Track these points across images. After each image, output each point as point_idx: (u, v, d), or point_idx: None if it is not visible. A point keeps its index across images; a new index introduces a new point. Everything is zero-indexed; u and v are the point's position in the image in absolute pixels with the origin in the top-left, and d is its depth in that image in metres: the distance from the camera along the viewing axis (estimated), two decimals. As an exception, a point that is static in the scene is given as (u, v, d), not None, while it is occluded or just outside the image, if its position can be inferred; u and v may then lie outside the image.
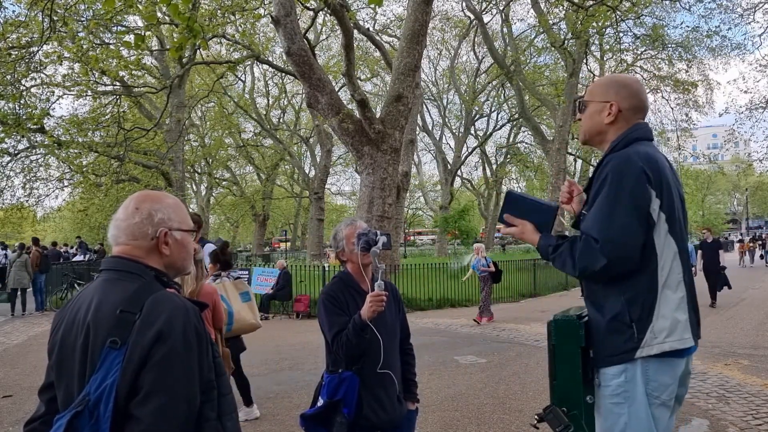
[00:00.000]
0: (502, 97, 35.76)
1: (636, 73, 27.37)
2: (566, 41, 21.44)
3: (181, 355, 1.25)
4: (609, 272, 1.81)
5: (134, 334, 1.24)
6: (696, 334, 1.89)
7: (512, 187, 46.62)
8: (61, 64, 15.57)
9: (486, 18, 28.71)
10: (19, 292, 12.96)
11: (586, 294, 1.98)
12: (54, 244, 22.72)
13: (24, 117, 14.74)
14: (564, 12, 19.92)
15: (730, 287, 12.44)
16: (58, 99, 20.47)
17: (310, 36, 22.40)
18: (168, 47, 19.53)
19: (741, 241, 30.59)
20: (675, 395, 1.86)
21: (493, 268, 11.18)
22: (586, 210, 1.95)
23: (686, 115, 27.35)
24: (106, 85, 18.28)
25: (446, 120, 39.77)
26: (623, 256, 1.78)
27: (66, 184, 21.38)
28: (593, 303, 1.93)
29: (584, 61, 22.76)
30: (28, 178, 19.84)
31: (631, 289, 1.82)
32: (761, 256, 27.24)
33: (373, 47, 24.00)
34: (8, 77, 13.62)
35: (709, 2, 21.29)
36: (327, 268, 13.19)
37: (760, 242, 29.77)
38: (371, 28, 24.20)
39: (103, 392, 1.20)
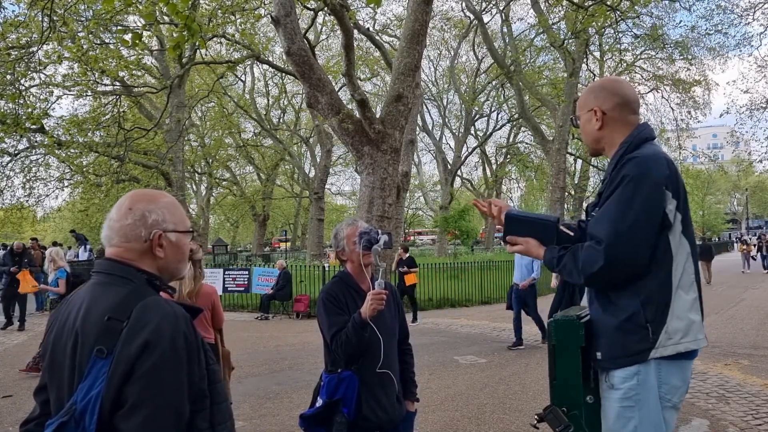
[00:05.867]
0: (502, 97, 35.73)
1: (636, 73, 27.37)
2: (566, 41, 21.42)
3: (169, 366, 1.20)
4: (610, 275, 1.78)
5: (120, 343, 1.19)
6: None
7: (512, 187, 46.67)
8: (61, 64, 15.56)
9: (486, 18, 28.72)
10: (19, 292, 12.96)
11: (594, 295, 1.94)
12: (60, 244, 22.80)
13: (24, 117, 14.72)
14: (564, 12, 19.90)
15: None
16: (57, 99, 20.44)
17: (310, 36, 22.38)
18: (167, 47, 19.53)
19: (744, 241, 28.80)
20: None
21: (63, 290, 7.10)
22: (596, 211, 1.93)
23: (688, 113, 27.31)
24: (106, 85, 18.26)
25: (446, 120, 39.76)
26: (626, 259, 1.76)
27: (66, 184, 21.42)
28: (602, 304, 1.89)
29: (584, 61, 22.73)
30: (28, 178, 19.87)
31: (646, 290, 1.80)
32: (763, 259, 25.99)
33: (373, 47, 23.97)
34: (8, 77, 13.61)
35: (708, 2, 21.27)
36: (327, 268, 13.19)
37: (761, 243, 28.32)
38: (371, 28, 24.19)
39: (89, 402, 1.16)
